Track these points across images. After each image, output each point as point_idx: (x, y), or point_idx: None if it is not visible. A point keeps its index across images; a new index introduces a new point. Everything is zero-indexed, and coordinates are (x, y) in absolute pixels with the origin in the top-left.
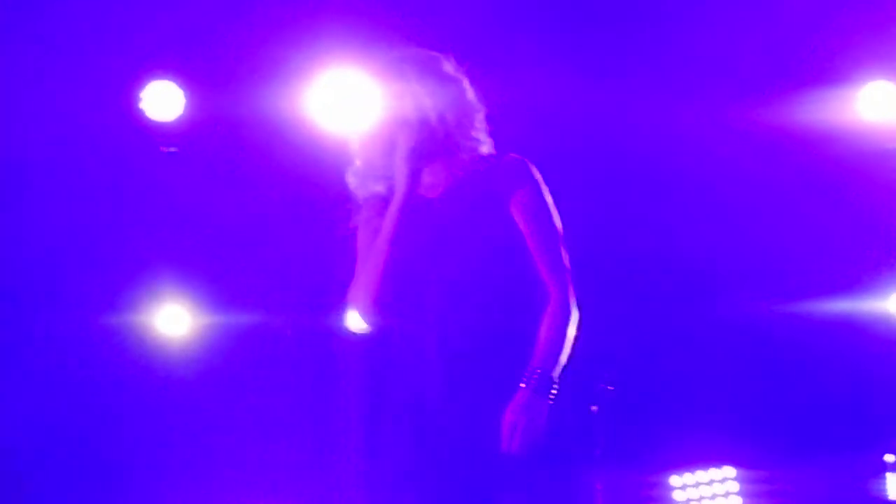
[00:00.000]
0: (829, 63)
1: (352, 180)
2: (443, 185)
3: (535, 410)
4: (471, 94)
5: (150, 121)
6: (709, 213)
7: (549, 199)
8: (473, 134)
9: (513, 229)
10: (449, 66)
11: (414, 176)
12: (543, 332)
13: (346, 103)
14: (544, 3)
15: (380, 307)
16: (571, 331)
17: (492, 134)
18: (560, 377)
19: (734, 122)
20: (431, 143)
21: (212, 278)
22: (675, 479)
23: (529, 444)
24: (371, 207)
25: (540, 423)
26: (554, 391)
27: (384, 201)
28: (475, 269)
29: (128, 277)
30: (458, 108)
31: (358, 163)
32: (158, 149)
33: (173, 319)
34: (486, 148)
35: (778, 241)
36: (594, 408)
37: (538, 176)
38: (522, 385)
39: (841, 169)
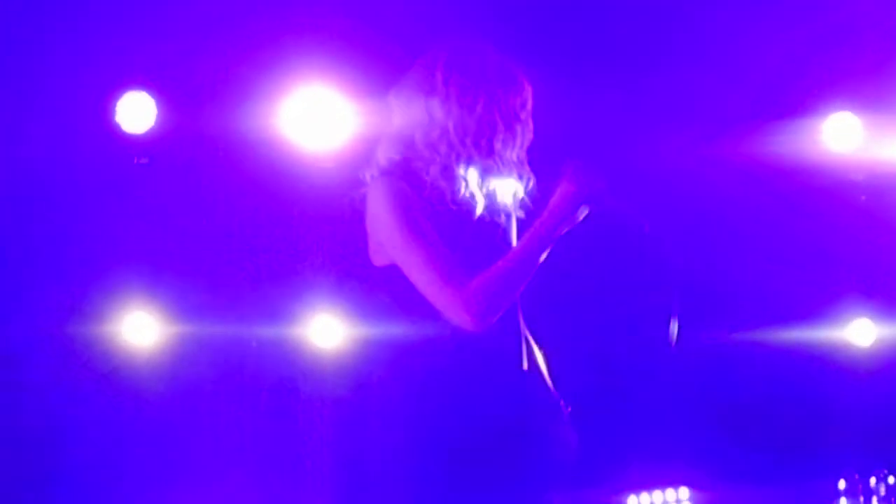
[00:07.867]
0: (794, 96)
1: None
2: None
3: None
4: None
5: (122, 132)
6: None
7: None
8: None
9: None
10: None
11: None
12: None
13: (318, 119)
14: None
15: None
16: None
17: None
18: None
19: (701, 155)
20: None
21: (180, 288)
22: (631, 500)
23: None
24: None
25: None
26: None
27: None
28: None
29: (96, 287)
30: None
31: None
32: (131, 160)
33: (140, 328)
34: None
35: (739, 269)
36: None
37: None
38: None
39: (805, 199)
